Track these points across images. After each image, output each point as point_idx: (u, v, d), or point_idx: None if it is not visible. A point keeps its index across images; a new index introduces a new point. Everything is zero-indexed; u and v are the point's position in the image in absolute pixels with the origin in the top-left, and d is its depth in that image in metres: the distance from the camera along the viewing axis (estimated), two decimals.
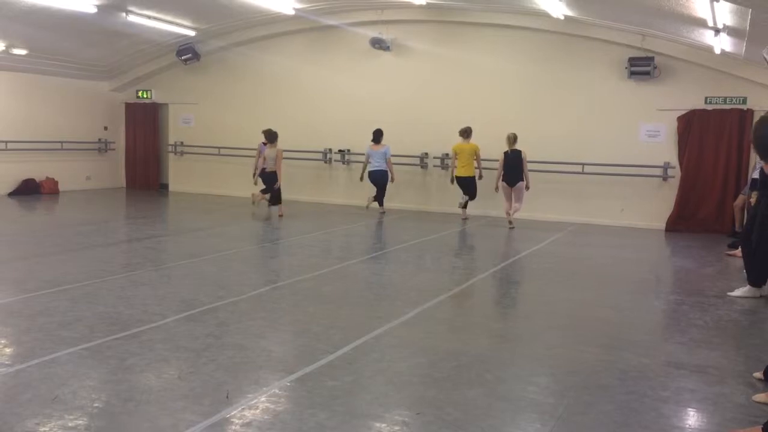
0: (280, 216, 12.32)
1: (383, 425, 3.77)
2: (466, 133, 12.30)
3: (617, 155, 12.30)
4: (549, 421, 3.90)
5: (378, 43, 13.58)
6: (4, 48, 13.60)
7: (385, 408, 3.99)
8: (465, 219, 12.62)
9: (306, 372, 4.49)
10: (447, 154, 13.47)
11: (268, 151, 12.33)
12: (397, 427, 3.74)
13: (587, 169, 12.49)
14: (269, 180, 12.47)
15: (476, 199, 12.55)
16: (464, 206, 12.60)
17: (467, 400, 4.14)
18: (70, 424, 3.62)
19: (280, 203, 12.54)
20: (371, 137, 12.95)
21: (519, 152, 11.61)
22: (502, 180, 11.76)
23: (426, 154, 13.85)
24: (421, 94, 13.75)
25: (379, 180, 13.01)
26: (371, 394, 4.21)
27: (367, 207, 13.34)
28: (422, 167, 13.94)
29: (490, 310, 6.49)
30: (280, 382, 4.31)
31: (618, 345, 5.39)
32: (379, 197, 13.17)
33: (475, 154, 12.28)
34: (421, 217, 12.93)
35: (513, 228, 11.58)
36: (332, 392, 4.18)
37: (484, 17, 13.01)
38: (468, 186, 12.49)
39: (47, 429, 3.55)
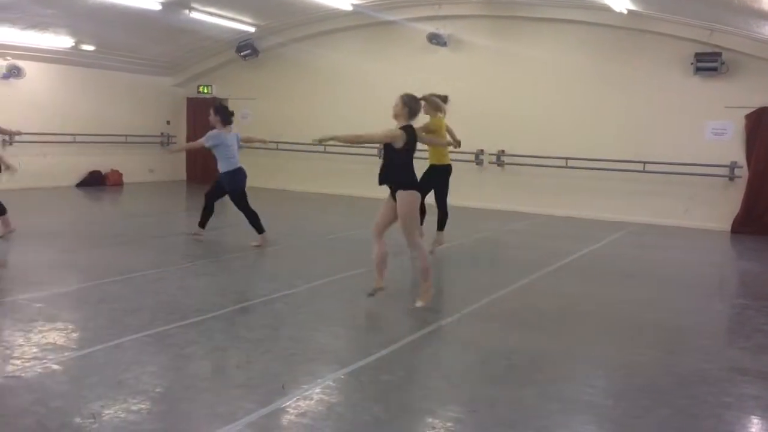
0: None
1: (437, 421, 3.77)
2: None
3: (681, 154, 11.92)
4: (605, 424, 3.84)
5: (435, 39, 13.53)
6: (73, 44, 14.12)
7: (438, 404, 3.99)
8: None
9: (360, 365, 4.53)
10: (503, 151, 13.36)
11: None
12: (450, 423, 3.74)
13: (649, 167, 12.15)
14: None
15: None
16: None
17: (521, 400, 4.10)
18: (133, 408, 3.75)
19: None
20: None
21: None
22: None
23: (482, 150, 13.73)
24: (478, 91, 13.60)
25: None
26: (425, 389, 4.22)
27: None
28: (478, 164, 13.83)
29: (545, 309, 6.39)
30: (334, 374, 4.37)
31: (678, 349, 5.25)
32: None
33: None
34: (477, 214, 12.81)
35: None
36: (386, 386, 4.20)
37: (544, 12, 12.80)
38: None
39: (112, 412, 3.69)
